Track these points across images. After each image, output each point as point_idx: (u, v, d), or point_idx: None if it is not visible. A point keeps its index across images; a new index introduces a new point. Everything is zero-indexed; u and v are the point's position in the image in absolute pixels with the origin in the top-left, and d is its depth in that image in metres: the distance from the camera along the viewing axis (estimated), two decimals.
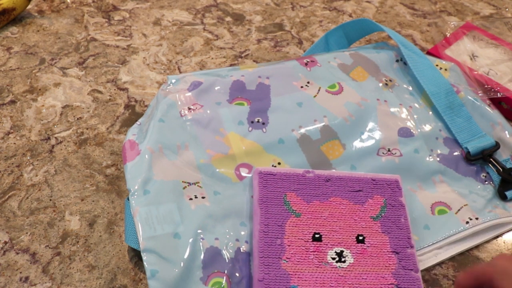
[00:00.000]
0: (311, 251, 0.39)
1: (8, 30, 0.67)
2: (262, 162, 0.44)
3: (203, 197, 0.41)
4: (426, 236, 0.42)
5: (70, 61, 0.63)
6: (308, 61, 0.51)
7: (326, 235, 0.40)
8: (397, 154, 0.46)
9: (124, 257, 0.43)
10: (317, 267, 0.38)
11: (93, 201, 0.47)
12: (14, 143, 0.52)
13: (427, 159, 0.46)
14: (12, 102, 0.57)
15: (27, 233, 0.45)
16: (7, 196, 0.48)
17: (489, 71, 0.57)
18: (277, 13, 0.71)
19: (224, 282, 0.38)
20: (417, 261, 0.40)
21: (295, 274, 0.38)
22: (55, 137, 0.53)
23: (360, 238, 0.40)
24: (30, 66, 0.62)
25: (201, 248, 0.38)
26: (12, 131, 0.54)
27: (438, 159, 0.47)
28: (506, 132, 0.49)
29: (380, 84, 0.51)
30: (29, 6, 0.71)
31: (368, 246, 0.40)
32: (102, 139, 0.53)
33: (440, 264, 0.43)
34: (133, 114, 0.56)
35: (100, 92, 0.58)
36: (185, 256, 0.38)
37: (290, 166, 0.44)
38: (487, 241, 0.45)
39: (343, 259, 0.39)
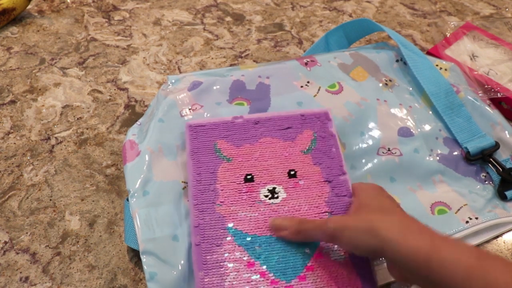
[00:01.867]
0: (243, 192, 0.40)
1: (8, 30, 0.67)
2: None
3: None
4: None
5: (70, 61, 0.63)
6: (308, 61, 0.51)
7: (257, 175, 0.41)
8: (397, 153, 0.46)
9: (124, 257, 0.43)
10: (251, 206, 0.40)
11: (93, 201, 0.47)
12: (14, 143, 0.52)
13: (427, 158, 0.46)
14: (12, 102, 0.57)
15: (27, 233, 0.45)
16: (7, 196, 0.48)
17: (489, 71, 0.57)
18: (277, 13, 0.71)
19: None
20: (350, 187, 0.41)
21: (230, 216, 0.39)
22: (55, 137, 0.53)
23: (292, 173, 0.41)
24: (30, 66, 0.62)
25: None
26: (12, 131, 0.54)
27: (438, 158, 0.47)
28: (506, 132, 0.49)
29: (380, 84, 0.51)
30: (29, 6, 0.71)
31: (300, 180, 0.41)
32: (102, 139, 0.53)
33: None
34: (133, 114, 0.56)
35: (100, 92, 0.58)
36: (184, 259, 0.38)
37: None
38: (487, 241, 0.45)
39: (275, 195, 0.40)
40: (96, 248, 0.44)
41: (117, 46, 0.65)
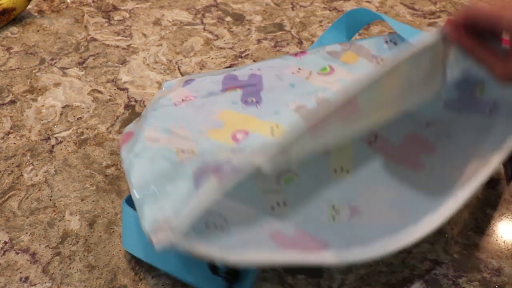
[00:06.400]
0: None
1: (8, 30, 0.67)
2: (259, 128, 0.44)
3: (193, 152, 0.41)
4: None
5: (70, 61, 0.63)
6: (298, 53, 0.52)
7: None
8: None
9: (124, 257, 0.43)
10: None
11: (93, 201, 0.47)
12: (14, 143, 0.52)
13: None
14: (12, 102, 0.57)
15: (27, 233, 0.45)
16: (7, 196, 0.48)
17: None
18: (277, 13, 0.71)
19: (212, 178, 0.37)
20: None
21: None
22: (55, 137, 0.53)
23: None
24: (30, 66, 0.62)
25: (190, 173, 0.37)
26: (12, 131, 0.54)
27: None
28: None
29: (372, 64, 0.51)
30: (29, 6, 0.71)
31: None
32: (102, 139, 0.53)
33: (440, 264, 0.43)
34: (133, 114, 0.56)
35: (100, 92, 0.58)
36: (178, 186, 0.37)
37: (288, 127, 0.44)
38: (487, 241, 0.45)
39: None
40: (96, 248, 0.44)
41: (117, 46, 0.65)
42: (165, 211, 0.35)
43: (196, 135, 0.43)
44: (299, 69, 0.50)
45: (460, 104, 0.47)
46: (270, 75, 0.49)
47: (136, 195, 0.37)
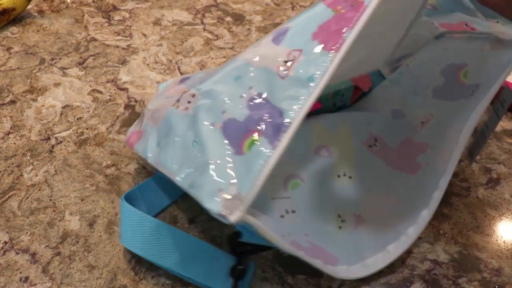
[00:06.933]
0: None
1: (8, 30, 0.67)
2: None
3: (193, 95, 0.38)
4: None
5: (70, 61, 0.63)
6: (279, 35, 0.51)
7: None
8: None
9: (124, 257, 0.43)
10: None
11: (93, 201, 0.47)
12: (14, 143, 0.53)
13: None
14: (12, 102, 0.57)
15: (27, 233, 0.45)
16: (7, 196, 0.48)
17: None
18: (277, 13, 0.71)
19: (254, 136, 0.32)
20: None
21: None
22: (55, 137, 0.53)
23: None
24: (30, 66, 0.62)
25: (216, 130, 0.34)
26: (12, 131, 0.54)
27: None
28: None
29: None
30: (29, 6, 0.71)
31: None
32: (102, 139, 0.53)
33: (440, 264, 0.43)
34: (133, 114, 0.56)
35: (100, 92, 0.58)
36: (210, 151, 0.33)
37: None
38: (487, 241, 0.45)
39: None
40: (96, 248, 0.44)
41: (117, 46, 0.65)
42: (222, 185, 0.31)
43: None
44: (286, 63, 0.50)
45: (447, 92, 0.48)
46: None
47: (181, 182, 0.34)
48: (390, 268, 0.42)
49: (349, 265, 0.39)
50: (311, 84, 0.30)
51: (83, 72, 0.61)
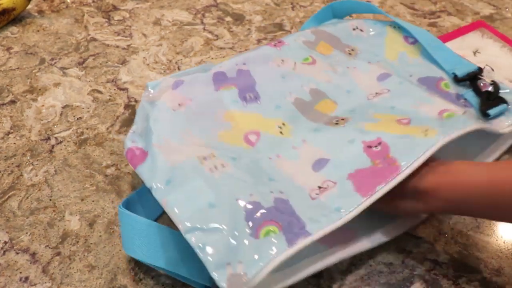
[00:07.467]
0: None
1: (8, 30, 0.67)
2: (266, 127, 0.45)
3: (222, 165, 0.41)
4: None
5: (70, 61, 0.63)
6: (276, 43, 0.53)
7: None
8: (384, 91, 0.49)
9: (124, 257, 0.43)
10: None
11: (93, 201, 0.47)
12: (14, 143, 0.53)
13: (413, 86, 0.49)
14: (12, 102, 0.57)
15: (27, 233, 0.45)
16: (7, 196, 0.48)
17: (485, 66, 0.58)
18: (277, 13, 0.71)
19: (273, 227, 0.36)
20: None
21: None
22: (55, 137, 0.53)
23: None
24: (30, 66, 0.62)
25: (240, 206, 0.37)
26: (12, 131, 0.54)
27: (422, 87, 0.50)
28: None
29: (345, 54, 0.54)
30: (29, 6, 0.71)
31: None
32: (102, 139, 0.53)
33: (440, 264, 0.43)
34: (133, 114, 0.56)
35: (100, 92, 0.58)
36: (227, 220, 0.36)
37: (293, 126, 0.46)
38: (487, 241, 0.45)
39: None
40: (96, 248, 0.44)
41: (117, 46, 0.65)
42: (231, 260, 0.35)
43: (208, 140, 0.44)
44: (282, 60, 0.51)
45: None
46: (257, 69, 0.50)
47: (188, 236, 0.36)
48: (390, 268, 0.42)
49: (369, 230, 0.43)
50: (336, 215, 0.37)
51: (83, 72, 0.61)
